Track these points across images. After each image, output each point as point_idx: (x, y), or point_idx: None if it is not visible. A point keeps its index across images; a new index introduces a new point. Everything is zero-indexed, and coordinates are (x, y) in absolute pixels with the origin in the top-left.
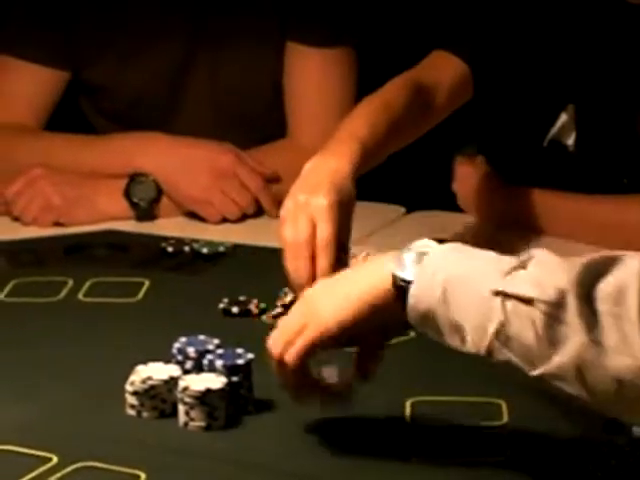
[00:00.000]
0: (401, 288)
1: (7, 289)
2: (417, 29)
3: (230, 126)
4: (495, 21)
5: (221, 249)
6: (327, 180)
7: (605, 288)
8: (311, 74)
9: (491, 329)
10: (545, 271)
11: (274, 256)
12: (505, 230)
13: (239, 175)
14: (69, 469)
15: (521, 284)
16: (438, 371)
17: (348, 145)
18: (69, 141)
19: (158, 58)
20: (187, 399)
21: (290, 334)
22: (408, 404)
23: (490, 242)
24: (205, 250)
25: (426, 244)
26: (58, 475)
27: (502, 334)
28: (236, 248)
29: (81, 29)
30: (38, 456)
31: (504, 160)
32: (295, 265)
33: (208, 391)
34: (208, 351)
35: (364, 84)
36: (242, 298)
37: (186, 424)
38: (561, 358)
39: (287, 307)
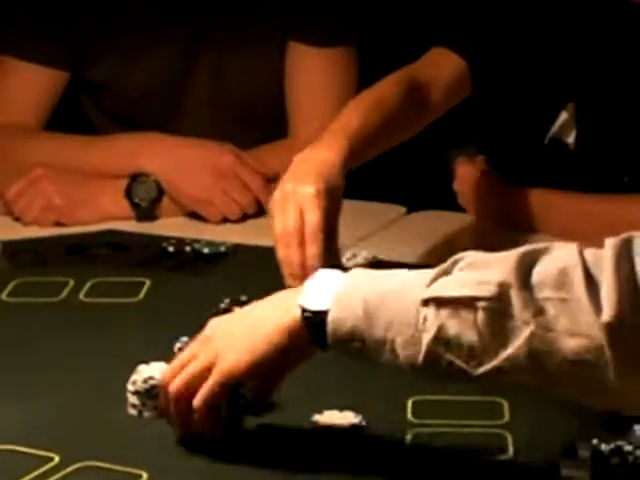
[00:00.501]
0: (313, 321)
1: (8, 289)
2: (418, 27)
3: (232, 126)
4: (495, 18)
5: (222, 249)
6: (314, 170)
7: (544, 275)
8: (312, 74)
9: (427, 337)
10: (479, 269)
11: (275, 256)
12: (506, 229)
13: (240, 175)
14: (71, 469)
15: (455, 287)
16: None
17: (337, 138)
18: (71, 141)
19: (162, 58)
20: None
21: (193, 378)
22: (409, 403)
23: (491, 241)
24: (206, 250)
25: (330, 274)
26: (60, 475)
27: (440, 340)
28: (237, 248)
29: (84, 29)
30: (40, 456)
31: (505, 159)
32: (286, 254)
33: None
34: None
35: (365, 83)
36: (243, 298)
37: None
38: (511, 350)
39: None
